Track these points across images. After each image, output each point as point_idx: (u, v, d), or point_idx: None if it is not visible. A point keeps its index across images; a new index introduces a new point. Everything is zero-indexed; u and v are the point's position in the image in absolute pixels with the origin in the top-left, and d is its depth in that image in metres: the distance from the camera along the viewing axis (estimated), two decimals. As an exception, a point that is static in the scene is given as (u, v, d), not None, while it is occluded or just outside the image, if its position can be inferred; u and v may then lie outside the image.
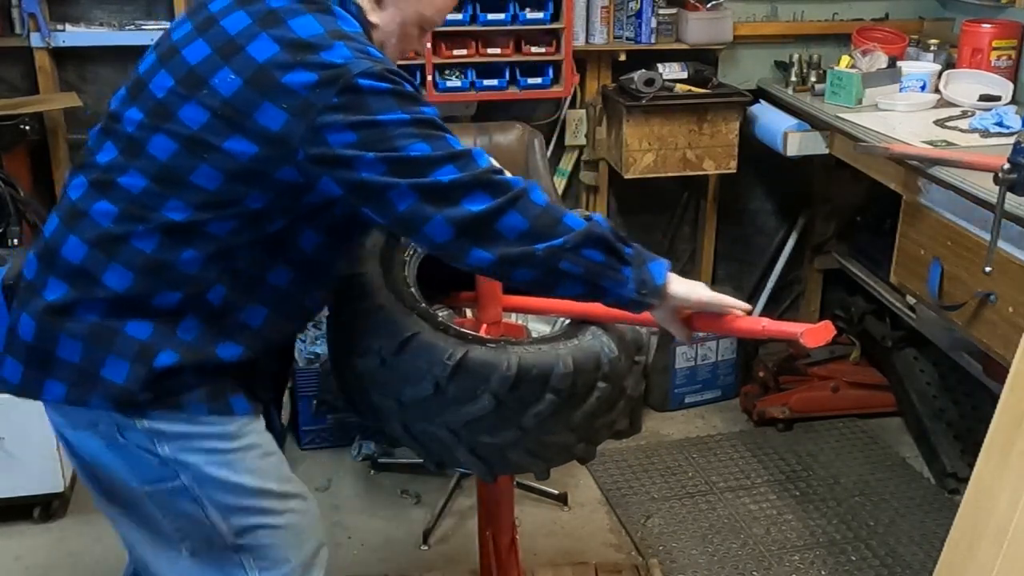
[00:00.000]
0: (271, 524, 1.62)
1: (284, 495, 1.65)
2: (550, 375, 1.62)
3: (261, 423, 1.64)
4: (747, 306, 1.61)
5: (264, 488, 1.61)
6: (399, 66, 1.52)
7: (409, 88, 1.45)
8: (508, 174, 1.50)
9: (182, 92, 1.46)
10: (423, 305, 1.80)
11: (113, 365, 1.48)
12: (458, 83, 3.08)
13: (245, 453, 1.58)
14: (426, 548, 2.80)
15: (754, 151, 3.34)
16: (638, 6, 3.24)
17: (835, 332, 1.55)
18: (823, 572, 2.70)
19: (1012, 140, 2.14)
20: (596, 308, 1.81)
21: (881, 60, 3.12)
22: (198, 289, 1.49)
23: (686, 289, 1.57)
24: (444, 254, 1.49)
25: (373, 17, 1.57)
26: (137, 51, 3.00)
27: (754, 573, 2.70)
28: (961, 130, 2.71)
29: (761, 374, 3.50)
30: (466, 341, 1.67)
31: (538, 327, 2.05)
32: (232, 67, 1.43)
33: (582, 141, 3.44)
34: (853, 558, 2.75)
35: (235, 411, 1.57)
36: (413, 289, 1.84)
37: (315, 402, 3.16)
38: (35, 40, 2.93)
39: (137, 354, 1.48)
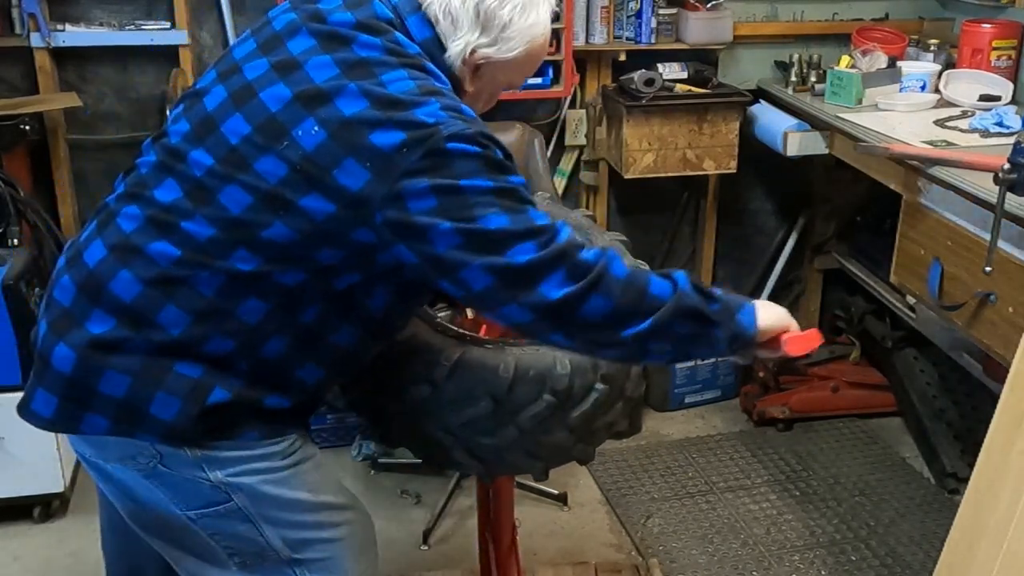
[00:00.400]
0: (328, 537, 1.58)
1: (341, 507, 1.61)
2: (547, 376, 1.62)
3: (308, 435, 1.60)
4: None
5: (321, 501, 1.57)
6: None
7: (499, 155, 1.39)
8: (590, 246, 1.42)
9: (260, 142, 1.38)
10: (423, 306, 1.81)
11: (163, 402, 1.42)
12: (458, 83, 3.08)
13: (300, 467, 1.54)
14: (426, 548, 2.80)
15: (754, 151, 3.34)
16: (638, 6, 3.24)
17: (822, 341, 1.54)
18: (823, 572, 2.70)
19: (1012, 140, 2.14)
20: None
21: (881, 60, 3.12)
22: (254, 340, 1.43)
23: (773, 319, 1.53)
24: (523, 333, 1.44)
25: (469, 87, 1.53)
26: (137, 51, 3.07)
27: (754, 573, 2.70)
28: (961, 130, 2.71)
29: (761, 374, 3.50)
30: (463, 342, 1.67)
31: None
32: (317, 119, 1.35)
33: (582, 141, 3.44)
34: (853, 558, 2.75)
35: (287, 432, 1.52)
36: None
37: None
38: (35, 40, 2.93)
39: (190, 392, 1.42)
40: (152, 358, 1.42)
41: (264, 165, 1.37)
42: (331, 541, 1.59)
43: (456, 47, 1.48)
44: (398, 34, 1.45)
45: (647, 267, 1.88)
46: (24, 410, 1.50)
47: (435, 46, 1.48)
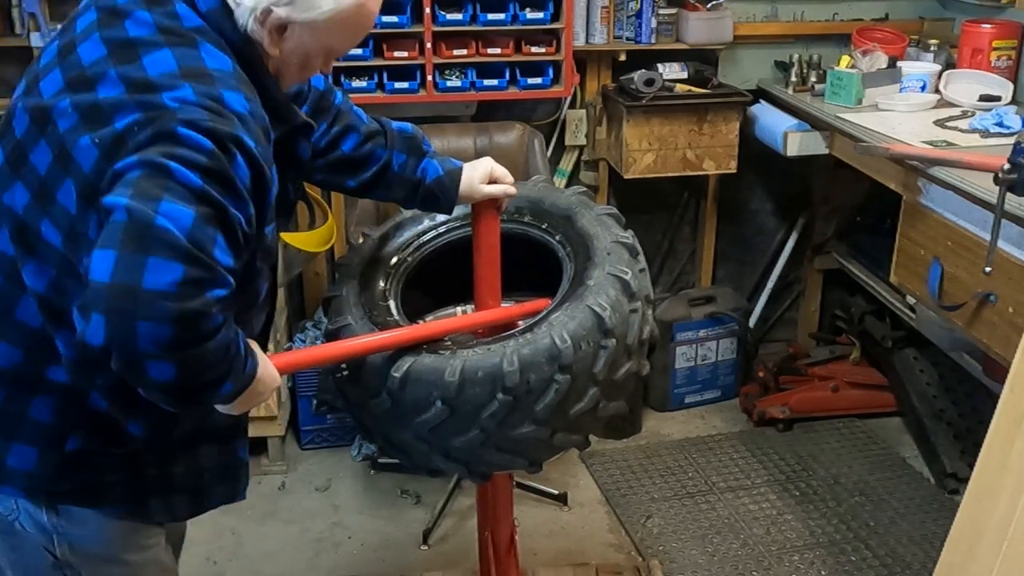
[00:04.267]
0: None
1: None
2: (497, 375, 1.62)
3: (163, 538, 1.56)
4: None
5: None
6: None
7: (237, 173, 1.21)
8: (228, 321, 1.21)
9: (34, 131, 1.29)
10: (394, 318, 1.83)
11: (20, 453, 1.38)
12: (458, 83, 3.08)
13: (146, 569, 1.52)
14: (426, 548, 2.80)
15: (754, 151, 3.34)
16: (638, 6, 3.24)
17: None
18: (823, 572, 2.70)
19: (1012, 140, 2.14)
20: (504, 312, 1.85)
21: (881, 60, 3.12)
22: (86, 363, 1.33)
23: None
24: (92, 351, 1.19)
25: (272, 50, 1.38)
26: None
27: (754, 573, 2.70)
28: (961, 130, 2.71)
29: (761, 374, 3.50)
30: (418, 351, 1.68)
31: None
32: (73, 102, 1.25)
33: (582, 141, 3.44)
34: (853, 558, 2.75)
35: (152, 516, 1.49)
36: (391, 303, 1.88)
37: (315, 402, 3.16)
38: (35, 40, 2.92)
39: (46, 439, 1.38)
40: (5, 405, 1.37)
41: (36, 155, 1.28)
42: None
43: (245, 7, 1.34)
44: (180, 5, 1.32)
45: (643, 266, 1.86)
46: None
47: (222, 14, 1.34)
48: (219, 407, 1.36)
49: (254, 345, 1.37)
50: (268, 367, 1.39)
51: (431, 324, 1.87)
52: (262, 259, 1.41)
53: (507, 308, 1.90)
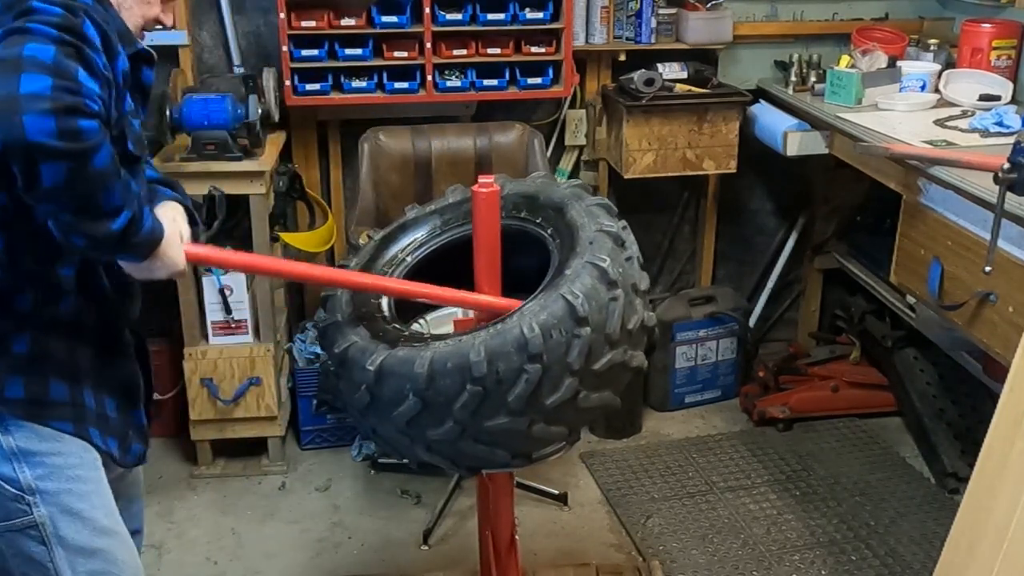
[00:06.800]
0: (114, 572, 1.62)
1: (123, 534, 1.66)
2: (465, 366, 1.62)
3: (108, 459, 1.65)
4: None
5: (113, 528, 1.62)
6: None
7: (83, 30, 1.38)
8: (99, 123, 1.35)
9: None
10: (383, 313, 1.85)
11: None
12: (458, 83, 3.08)
13: (101, 487, 1.60)
14: (426, 548, 2.81)
15: (754, 151, 3.34)
16: (638, 6, 3.24)
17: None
18: (823, 572, 2.70)
19: (1012, 140, 2.13)
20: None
21: (881, 60, 3.12)
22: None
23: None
24: None
25: None
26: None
27: (754, 573, 2.70)
28: (961, 130, 2.71)
29: (761, 374, 3.50)
30: (393, 345, 1.69)
31: None
32: None
33: (582, 141, 3.44)
34: (853, 558, 2.75)
35: (94, 441, 1.59)
36: (383, 299, 1.89)
37: (315, 402, 3.16)
38: (35, 40, 2.93)
39: None
40: None
41: None
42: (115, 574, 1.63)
43: None
44: None
45: (631, 254, 1.85)
46: None
47: None
48: (124, 265, 1.51)
49: (165, 221, 1.51)
50: (175, 243, 1.52)
51: (364, 275, 1.89)
52: (136, 145, 1.54)
53: (472, 295, 1.88)
